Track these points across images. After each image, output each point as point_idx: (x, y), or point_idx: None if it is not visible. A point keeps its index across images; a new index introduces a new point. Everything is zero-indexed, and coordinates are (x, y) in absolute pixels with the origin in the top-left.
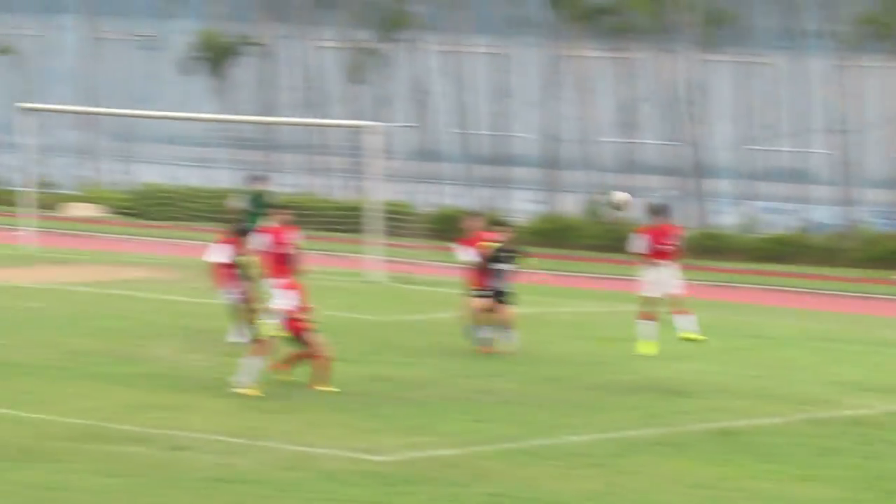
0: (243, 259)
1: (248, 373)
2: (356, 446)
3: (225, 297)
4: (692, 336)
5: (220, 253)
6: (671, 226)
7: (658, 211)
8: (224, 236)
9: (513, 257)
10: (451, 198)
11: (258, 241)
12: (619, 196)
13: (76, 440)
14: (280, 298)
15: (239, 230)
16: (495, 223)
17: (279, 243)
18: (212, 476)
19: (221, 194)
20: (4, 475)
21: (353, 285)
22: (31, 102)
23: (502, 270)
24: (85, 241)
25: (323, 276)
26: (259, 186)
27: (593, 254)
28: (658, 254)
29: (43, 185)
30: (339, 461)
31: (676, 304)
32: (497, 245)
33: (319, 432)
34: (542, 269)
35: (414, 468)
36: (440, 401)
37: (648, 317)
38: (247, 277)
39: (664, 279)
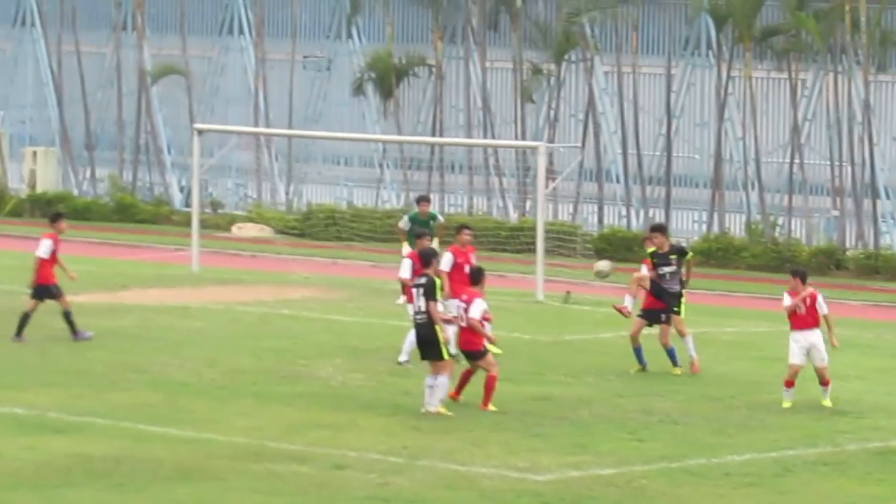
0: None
1: (441, 392)
2: (516, 465)
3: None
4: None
5: (407, 270)
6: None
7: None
8: (412, 253)
9: (676, 259)
10: (616, 218)
11: (444, 261)
12: (602, 265)
13: (238, 459)
14: (474, 308)
15: (425, 253)
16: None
17: (461, 262)
18: (372, 495)
19: (389, 215)
20: (167, 493)
21: (516, 305)
22: (202, 123)
23: (666, 278)
24: (251, 261)
25: (489, 295)
26: (423, 208)
27: (757, 274)
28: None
29: (211, 205)
30: (498, 480)
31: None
32: (660, 251)
33: (480, 451)
34: (704, 290)
35: (573, 487)
36: (600, 420)
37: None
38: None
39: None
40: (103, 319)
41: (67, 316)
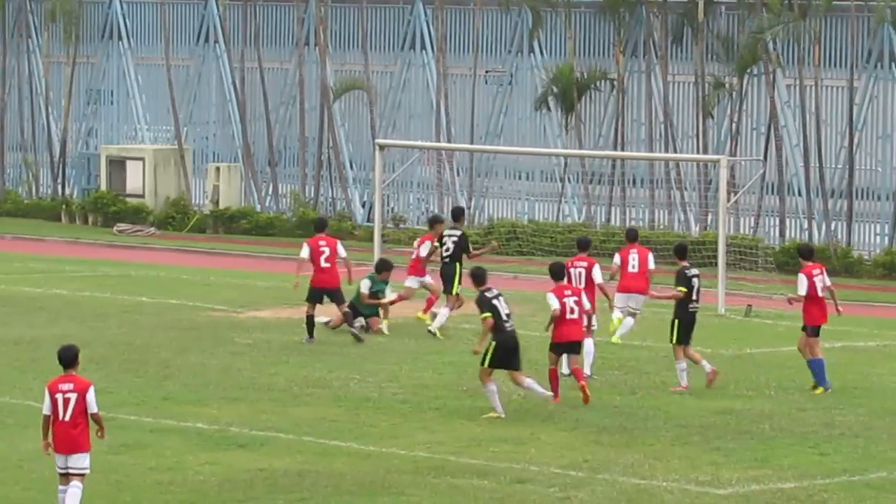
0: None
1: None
2: (697, 479)
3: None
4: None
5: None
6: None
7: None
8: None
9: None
10: (798, 231)
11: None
12: None
13: (420, 473)
14: None
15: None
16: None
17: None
18: None
19: (570, 229)
20: None
21: (698, 318)
22: (384, 138)
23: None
24: (433, 275)
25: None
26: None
27: None
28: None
29: (393, 220)
30: (679, 494)
31: None
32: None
33: (661, 465)
34: (886, 302)
35: (755, 501)
36: (781, 434)
37: None
38: None
39: None
40: (286, 334)
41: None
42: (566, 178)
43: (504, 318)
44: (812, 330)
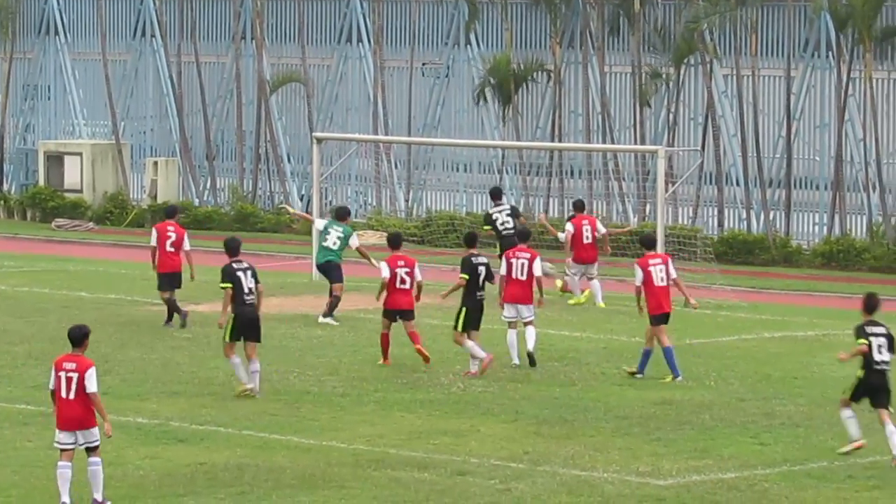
0: None
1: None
2: (638, 470)
3: None
4: None
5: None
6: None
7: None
8: None
9: None
10: (737, 221)
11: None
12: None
13: (361, 466)
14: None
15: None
16: None
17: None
18: (494, 501)
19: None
20: (290, 501)
21: (636, 310)
22: (322, 131)
23: None
24: (372, 269)
25: (609, 301)
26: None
27: (879, 276)
28: None
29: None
30: (620, 485)
31: None
32: None
33: (601, 457)
34: (826, 292)
35: (696, 492)
36: (722, 424)
37: None
38: None
39: None
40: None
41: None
42: (504, 170)
43: (246, 291)
44: (655, 319)
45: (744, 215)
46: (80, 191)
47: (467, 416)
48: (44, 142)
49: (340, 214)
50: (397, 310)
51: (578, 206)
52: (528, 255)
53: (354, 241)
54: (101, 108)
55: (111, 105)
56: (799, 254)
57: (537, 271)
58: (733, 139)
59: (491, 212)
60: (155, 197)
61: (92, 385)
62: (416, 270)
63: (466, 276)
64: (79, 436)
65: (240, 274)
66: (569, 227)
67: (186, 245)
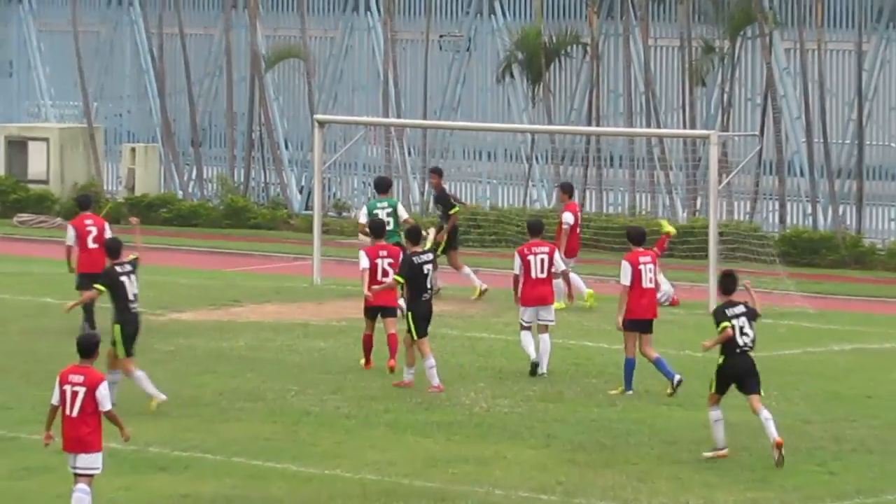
0: None
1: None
2: (688, 503)
3: None
4: None
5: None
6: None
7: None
8: None
9: None
10: (801, 217)
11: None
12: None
13: (369, 499)
14: None
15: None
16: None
17: None
18: None
19: (541, 216)
20: None
21: (686, 318)
22: (324, 113)
23: None
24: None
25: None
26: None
27: None
28: None
29: (335, 207)
30: None
31: None
32: None
33: (645, 488)
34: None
35: None
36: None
37: None
38: None
39: None
40: (212, 340)
41: None
42: (534, 158)
43: (131, 298)
44: (638, 325)
45: (809, 210)
46: (47, 182)
47: (492, 441)
48: (4, 125)
49: (381, 186)
50: (378, 307)
51: (567, 190)
52: (546, 250)
53: (403, 212)
54: (70, 87)
55: (82, 83)
56: (872, 254)
57: (559, 265)
58: (796, 122)
59: (372, 209)
60: (133, 189)
61: (106, 402)
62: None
63: (402, 279)
64: (76, 459)
65: (123, 279)
66: (568, 217)
67: (108, 233)
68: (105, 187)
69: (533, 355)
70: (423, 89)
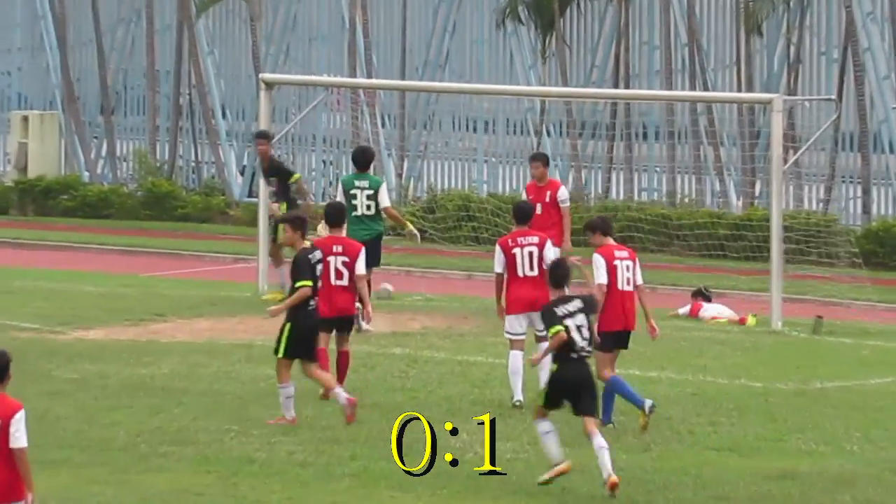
0: None
1: None
2: None
3: None
4: None
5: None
6: None
7: None
8: None
9: None
10: (889, 205)
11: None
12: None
13: None
14: None
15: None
16: None
17: None
18: None
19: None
20: None
21: (742, 337)
22: (273, 72)
23: None
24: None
25: (697, 327)
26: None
27: None
28: None
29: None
30: None
31: None
32: None
33: None
34: None
35: None
36: None
37: None
38: None
39: None
40: (128, 365)
41: None
42: (544, 130)
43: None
44: (613, 338)
45: None
46: None
47: (489, 497)
48: None
49: (362, 159)
50: (335, 318)
51: (540, 158)
52: (535, 240)
53: (385, 198)
54: None
55: None
56: None
57: (549, 255)
58: (884, 83)
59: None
60: (24, 169)
61: (20, 438)
62: (359, 262)
63: (309, 283)
64: None
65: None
66: (565, 193)
67: None
68: None
69: (518, 395)
70: (402, 40)
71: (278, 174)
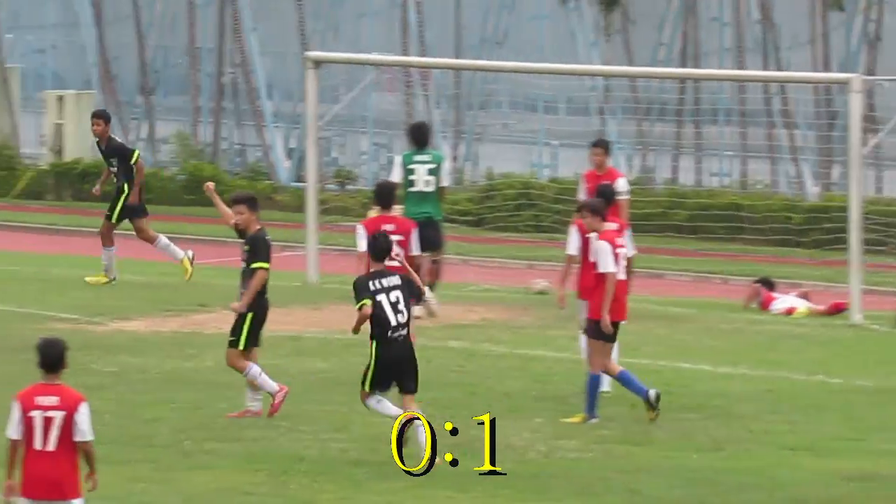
0: None
1: None
2: None
3: None
4: None
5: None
6: None
7: None
8: None
9: None
10: None
11: None
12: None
13: None
14: None
15: None
16: None
17: None
18: None
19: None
20: None
21: (819, 331)
22: (321, 50)
23: None
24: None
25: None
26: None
27: None
28: None
29: (337, 178)
30: None
31: None
32: None
33: None
34: None
35: None
36: None
37: None
38: None
39: None
40: (170, 358)
41: None
42: (607, 112)
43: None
44: (593, 329)
45: None
46: None
47: (553, 498)
48: None
49: (420, 136)
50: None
51: (602, 145)
52: (613, 227)
53: (446, 176)
54: None
55: None
56: None
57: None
58: None
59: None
60: (59, 152)
61: (85, 431)
62: (414, 239)
63: (265, 265)
64: None
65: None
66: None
67: None
68: (22, 150)
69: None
70: (456, 16)
71: (119, 154)
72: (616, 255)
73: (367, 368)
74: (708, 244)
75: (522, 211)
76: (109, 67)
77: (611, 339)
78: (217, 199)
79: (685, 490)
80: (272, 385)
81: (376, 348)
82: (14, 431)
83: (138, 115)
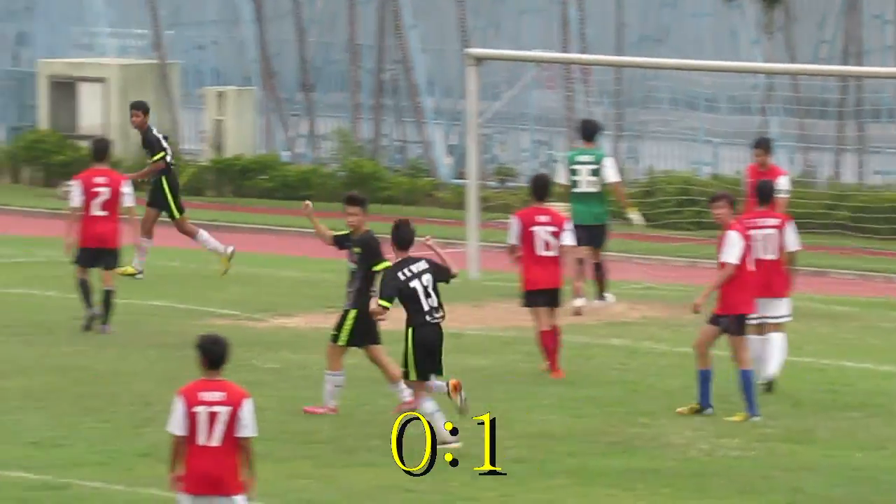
0: None
1: None
2: None
3: None
4: None
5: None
6: None
7: None
8: None
9: None
10: None
11: None
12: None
13: None
14: None
15: None
16: None
17: None
18: None
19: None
20: None
21: None
22: (481, 46)
23: None
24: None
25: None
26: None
27: None
28: None
29: (498, 175)
30: None
31: None
32: None
33: None
34: None
35: None
36: None
37: None
38: None
39: None
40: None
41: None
42: (770, 110)
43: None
44: (733, 324)
45: None
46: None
47: (715, 496)
48: (46, 61)
49: (587, 132)
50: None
51: (763, 145)
52: (775, 222)
53: (612, 173)
54: (134, 9)
55: (151, 4)
56: None
57: (791, 245)
58: None
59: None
60: (219, 147)
61: (249, 426)
62: (567, 231)
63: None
64: None
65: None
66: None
67: (128, 199)
68: (183, 146)
69: (760, 376)
70: (616, 13)
71: (151, 148)
72: (748, 248)
73: (406, 356)
74: (871, 242)
75: (684, 208)
76: (270, 64)
77: (742, 332)
78: (315, 220)
79: (847, 489)
80: (332, 402)
81: (413, 334)
82: (178, 427)
83: (299, 112)
